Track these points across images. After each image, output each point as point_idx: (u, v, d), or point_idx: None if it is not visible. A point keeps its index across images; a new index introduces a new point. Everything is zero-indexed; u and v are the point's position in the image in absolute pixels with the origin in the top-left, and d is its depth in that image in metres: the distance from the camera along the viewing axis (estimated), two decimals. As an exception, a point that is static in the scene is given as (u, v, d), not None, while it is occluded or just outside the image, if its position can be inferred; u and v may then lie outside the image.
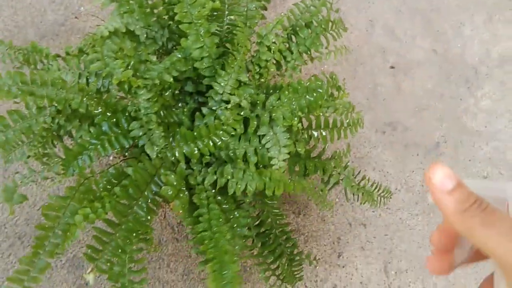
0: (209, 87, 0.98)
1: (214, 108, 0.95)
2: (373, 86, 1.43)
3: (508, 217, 0.28)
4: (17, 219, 1.28)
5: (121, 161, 1.04)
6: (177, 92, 1.01)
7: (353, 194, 1.02)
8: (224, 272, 0.79)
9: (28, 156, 0.95)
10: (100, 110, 0.85)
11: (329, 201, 0.98)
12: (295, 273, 0.98)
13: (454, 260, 0.34)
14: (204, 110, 0.95)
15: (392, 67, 1.45)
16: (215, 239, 0.82)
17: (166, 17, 1.04)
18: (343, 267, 1.25)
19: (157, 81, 0.88)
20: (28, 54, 0.96)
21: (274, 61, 1.02)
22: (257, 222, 0.98)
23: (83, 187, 0.87)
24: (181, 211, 0.86)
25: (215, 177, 0.93)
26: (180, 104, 1.02)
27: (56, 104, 0.80)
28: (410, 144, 1.37)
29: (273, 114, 0.87)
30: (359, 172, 1.02)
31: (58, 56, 0.96)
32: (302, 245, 1.26)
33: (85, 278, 0.78)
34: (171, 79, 0.89)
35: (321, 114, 0.93)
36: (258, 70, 1.01)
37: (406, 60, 1.46)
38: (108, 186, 0.90)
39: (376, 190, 1.04)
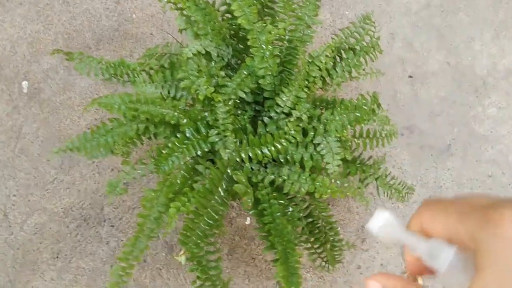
0: (266, 98, 1.17)
1: (275, 118, 1.13)
2: (393, 93, 1.61)
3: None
4: (82, 203, 1.46)
5: (190, 158, 1.22)
6: (237, 101, 1.19)
7: (384, 191, 1.21)
8: (288, 258, 0.99)
9: (112, 152, 1.14)
10: (185, 121, 1.03)
11: (366, 197, 1.17)
12: (336, 256, 1.18)
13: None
14: (265, 119, 1.14)
15: (410, 77, 1.64)
16: (279, 230, 1.02)
17: (228, 35, 1.22)
18: (366, 251, 1.46)
19: (233, 97, 1.06)
20: (116, 68, 1.13)
21: (321, 78, 1.20)
22: (306, 214, 1.17)
23: (168, 182, 1.05)
24: (250, 205, 1.05)
25: (273, 177, 1.12)
26: (239, 112, 1.20)
27: (154, 118, 0.98)
28: (425, 146, 1.57)
29: (327, 127, 1.06)
30: (389, 173, 1.21)
31: (144, 70, 1.13)
32: (331, 232, 1.46)
33: (177, 259, 0.96)
34: (244, 95, 1.07)
35: (363, 125, 1.12)
36: (306, 83, 1.20)
37: (423, 71, 1.65)
38: (183, 180, 1.09)
39: (402, 187, 1.24)
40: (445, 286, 0.33)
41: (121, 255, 0.96)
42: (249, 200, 1.05)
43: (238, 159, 1.12)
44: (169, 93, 1.11)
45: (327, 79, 1.21)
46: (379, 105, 1.11)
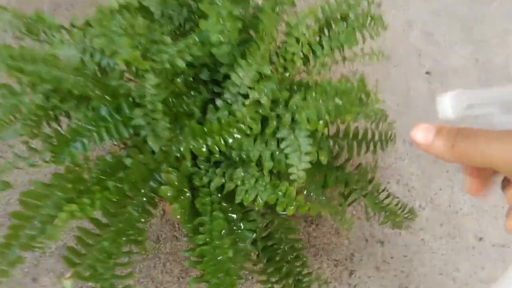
0: (226, 76, 0.87)
1: (229, 101, 0.84)
2: (406, 90, 1.31)
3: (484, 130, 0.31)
4: (9, 198, 1.19)
5: (121, 149, 0.94)
6: (190, 79, 0.91)
7: (375, 213, 0.91)
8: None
9: (21, 135, 0.86)
10: (97, 93, 0.75)
11: (349, 218, 0.87)
12: (302, 295, 0.88)
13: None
14: (218, 102, 0.85)
15: (427, 73, 1.33)
16: (215, 256, 0.72)
17: (185, -6, 0.94)
18: (354, 287, 1.15)
19: (167, 65, 0.77)
20: (29, 24, 0.86)
21: (302, 55, 0.90)
22: (264, 234, 0.87)
23: (72, 175, 0.76)
24: (179, 216, 0.76)
25: (223, 180, 0.82)
26: (192, 93, 0.91)
27: (50, 84, 0.69)
28: (439, 159, 1.25)
29: (296, 116, 0.76)
30: (384, 189, 0.90)
31: (63, 27, 0.85)
32: (311, 258, 1.15)
33: (62, 282, 0.68)
34: (183, 65, 0.78)
35: (350, 120, 0.82)
36: (283, 63, 0.90)
37: (443, 66, 1.34)
38: (101, 177, 0.80)
39: (401, 210, 0.93)
40: None
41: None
42: (180, 210, 0.76)
43: (178, 154, 0.83)
44: (92, 58, 0.83)
45: (310, 57, 0.92)
46: (367, 94, 0.80)
